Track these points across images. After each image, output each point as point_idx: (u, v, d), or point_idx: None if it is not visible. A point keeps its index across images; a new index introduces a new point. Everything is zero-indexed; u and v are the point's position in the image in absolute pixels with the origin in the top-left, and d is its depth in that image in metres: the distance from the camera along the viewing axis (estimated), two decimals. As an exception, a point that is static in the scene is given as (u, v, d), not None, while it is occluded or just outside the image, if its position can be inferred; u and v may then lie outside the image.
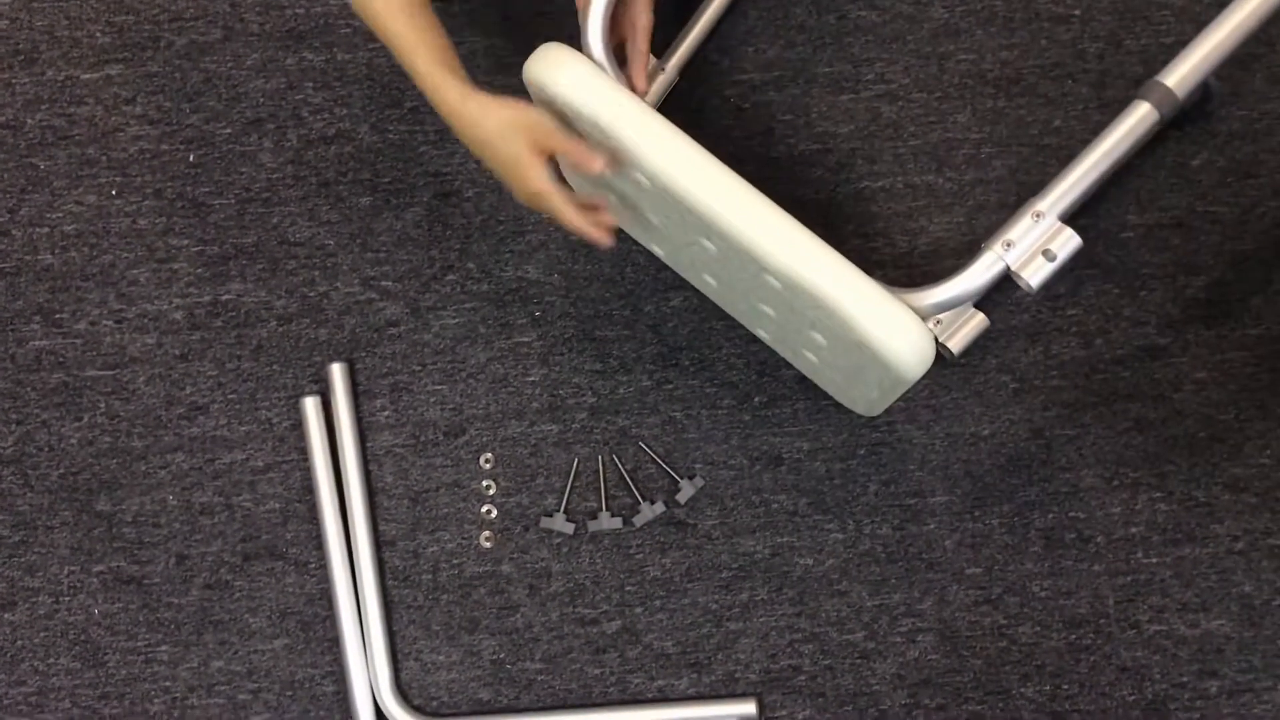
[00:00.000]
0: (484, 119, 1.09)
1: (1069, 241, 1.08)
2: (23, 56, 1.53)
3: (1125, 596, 1.37)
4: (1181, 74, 1.09)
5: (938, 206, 1.47)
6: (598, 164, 1.09)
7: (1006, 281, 1.16)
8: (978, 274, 1.09)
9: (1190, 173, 1.48)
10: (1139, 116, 1.10)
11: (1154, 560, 1.38)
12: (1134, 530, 1.38)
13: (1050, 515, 1.39)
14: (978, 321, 1.30)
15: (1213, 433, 1.41)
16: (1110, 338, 1.43)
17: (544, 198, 1.09)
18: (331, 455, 1.41)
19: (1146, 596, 1.37)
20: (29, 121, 1.51)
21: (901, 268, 1.46)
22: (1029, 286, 1.08)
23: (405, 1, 1.10)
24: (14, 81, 1.52)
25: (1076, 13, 1.53)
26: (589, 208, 1.12)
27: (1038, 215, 1.08)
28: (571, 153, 1.09)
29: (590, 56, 1.17)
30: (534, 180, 1.09)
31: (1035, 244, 1.08)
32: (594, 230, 1.10)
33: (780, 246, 1.10)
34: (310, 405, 1.41)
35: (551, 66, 1.14)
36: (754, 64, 1.52)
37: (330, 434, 1.41)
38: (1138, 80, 1.46)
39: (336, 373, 1.42)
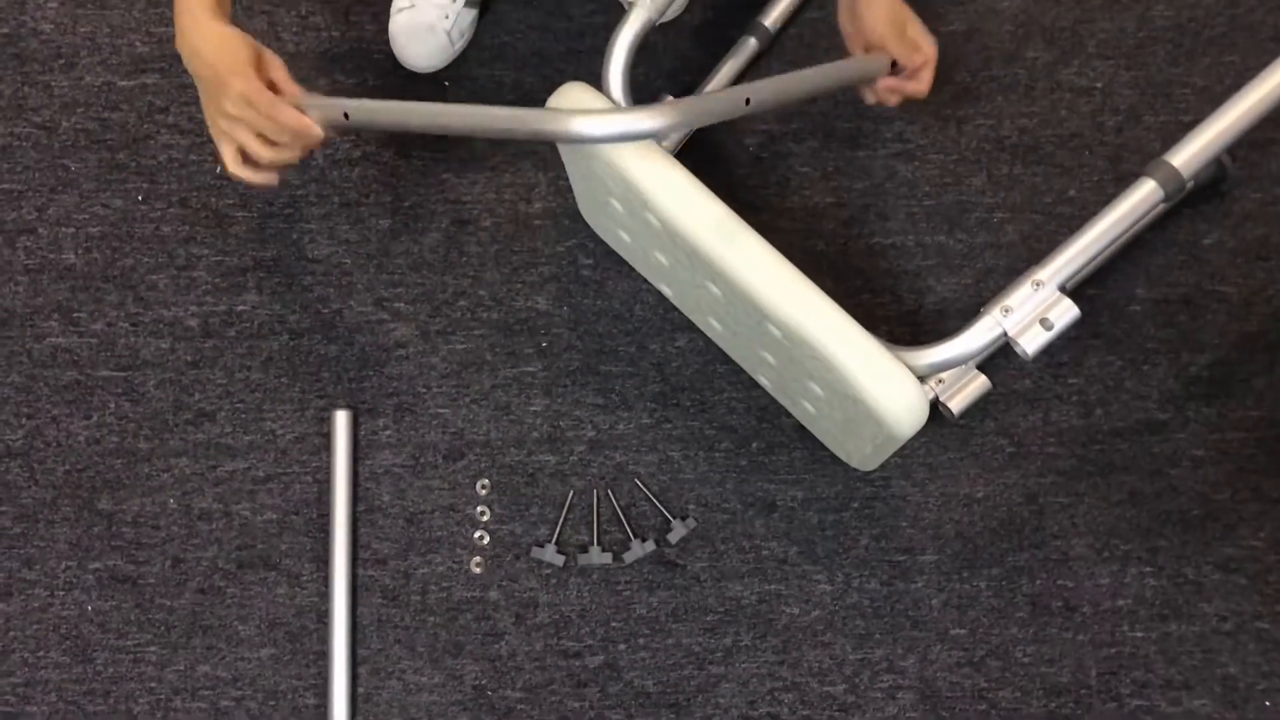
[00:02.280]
0: (216, 29, 1.12)
1: (1067, 312, 1.09)
2: (63, 61, 1.57)
3: (1108, 669, 1.37)
4: (1188, 154, 1.10)
5: (947, 267, 1.49)
6: (315, 131, 1.14)
7: (1008, 346, 1.17)
8: (974, 337, 1.10)
9: (1201, 251, 1.49)
10: (1143, 194, 1.11)
11: (1140, 634, 1.38)
12: (1121, 603, 1.38)
13: (1038, 582, 1.39)
14: (979, 384, 1.31)
15: (1207, 511, 1.41)
16: (1110, 409, 1.44)
17: (253, 96, 1.11)
18: (353, 473, 1.43)
19: (1130, 670, 1.37)
20: (64, 124, 1.54)
21: (907, 325, 1.47)
22: (1024, 354, 1.09)
23: None
24: (53, 84, 1.55)
25: (1099, 85, 1.55)
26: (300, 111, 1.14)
27: (1037, 284, 1.09)
28: (286, 96, 1.14)
29: (609, 97, 1.19)
30: (248, 81, 1.11)
31: (1034, 312, 1.09)
32: (303, 130, 1.14)
33: (782, 297, 1.11)
34: (341, 418, 1.43)
35: (571, 106, 1.17)
36: (774, 115, 1.54)
37: (355, 450, 1.44)
38: (1154, 156, 1.47)
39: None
